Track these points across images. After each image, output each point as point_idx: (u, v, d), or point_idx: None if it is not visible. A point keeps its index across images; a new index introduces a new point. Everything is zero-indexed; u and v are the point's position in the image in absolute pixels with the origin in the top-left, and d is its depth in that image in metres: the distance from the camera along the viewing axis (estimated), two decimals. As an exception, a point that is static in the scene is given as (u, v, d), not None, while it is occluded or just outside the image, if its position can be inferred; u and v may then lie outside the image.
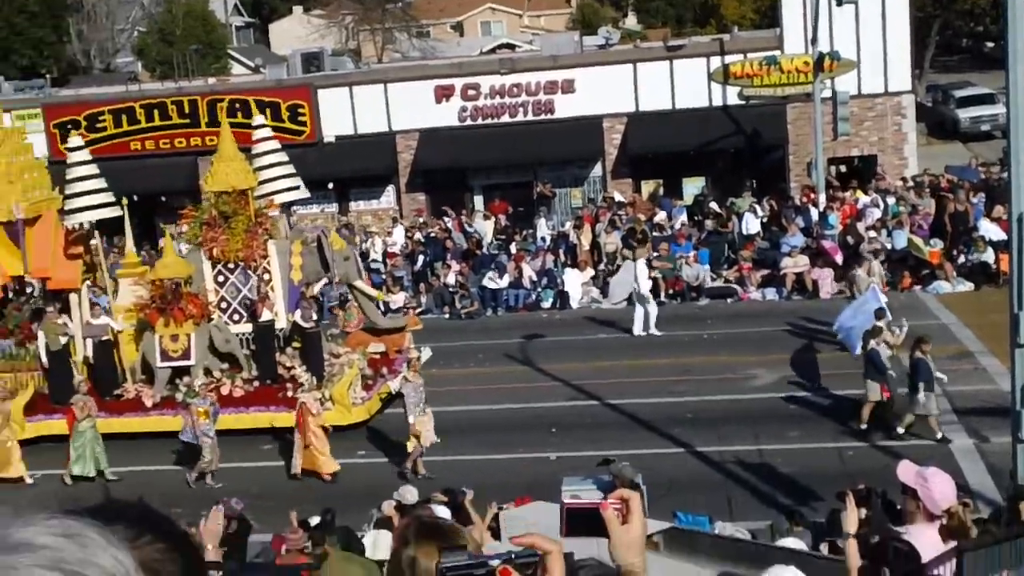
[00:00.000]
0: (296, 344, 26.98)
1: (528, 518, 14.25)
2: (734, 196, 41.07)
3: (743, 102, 43.07)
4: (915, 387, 22.77)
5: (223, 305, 27.38)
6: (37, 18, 72.54)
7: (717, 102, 43.27)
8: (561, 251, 38.90)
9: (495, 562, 2.80)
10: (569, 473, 21.13)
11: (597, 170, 44.82)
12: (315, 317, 27.22)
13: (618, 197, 42.59)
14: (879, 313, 25.36)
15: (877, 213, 37.58)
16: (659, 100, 43.33)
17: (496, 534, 16.81)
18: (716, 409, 25.50)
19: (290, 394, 25.20)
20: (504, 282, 36.68)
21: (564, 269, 37.50)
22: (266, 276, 27.25)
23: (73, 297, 27.42)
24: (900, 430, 22.94)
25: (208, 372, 26.27)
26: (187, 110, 44.78)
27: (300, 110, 44.39)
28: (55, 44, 75.23)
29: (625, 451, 22.70)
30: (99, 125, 45.23)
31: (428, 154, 43.84)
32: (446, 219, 41.81)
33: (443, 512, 18.40)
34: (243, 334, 27.16)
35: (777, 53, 42.80)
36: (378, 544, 17.87)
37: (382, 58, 77.42)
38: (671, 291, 35.83)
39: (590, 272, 37.32)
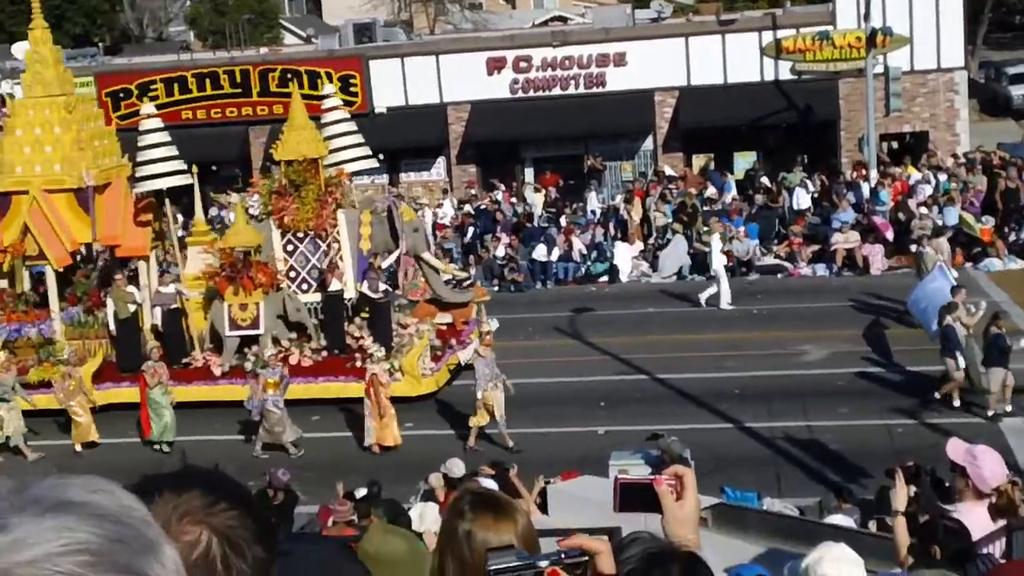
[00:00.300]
0: (364, 314, 26.88)
1: (575, 492, 14.32)
2: (785, 171, 40.87)
3: (795, 77, 42.84)
4: (991, 362, 22.63)
5: (292, 274, 27.30)
6: (91, -13, 72.87)
7: (769, 77, 43.06)
8: (611, 224, 38.86)
9: (544, 563, 2.81)
10: (617, 447, 21.23)
11: (648, 144, 44.72)
12: (383, 287, 27.08)
13: (669, 171, 42.51)
14: (955, 290, 25.11)
15: (928, 190, 37.33)
16: (711, 74, 43.15)
17: (544, 508, 16.87)
18: (765, 385, 25.46)
19: (359, 364, 25.20)
20: (554, 255, 36.68)
21: (614, 243, 37.46)
22: (335, 246, 27.18)
23: (142, 264, 27.48)
24: (990, 412, 22.70)
25: (276, 341, 26.20)
26: (239, 80, 44.95)
27: (352, 81, 44.44)
28: (108, 13, 75.56)
29: (673, 426, 22.72)
30: (151, 94, 45.28)
31: (479, 126, 43.84)
32: (496, 191, 41.83)
33: (490, 485, 18.51)
34: (311, 304, 27.06)
35: (830, 28, 42.51)
36: (424, 517, 17.96)
37: (434, 30, 77.32)
38: (721, 265, 35.72)
39: (640, 246, 37.28)
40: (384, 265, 27.16)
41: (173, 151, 27.25)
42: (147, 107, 28.02)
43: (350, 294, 26.94)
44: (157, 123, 27.46)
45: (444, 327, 28.07)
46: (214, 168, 44.92)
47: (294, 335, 26.50)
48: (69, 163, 26.50)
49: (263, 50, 53.87)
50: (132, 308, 26.53)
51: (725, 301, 31.44)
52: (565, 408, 24.81)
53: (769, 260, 35.95)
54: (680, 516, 3.14)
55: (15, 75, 47.63)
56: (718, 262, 32.46)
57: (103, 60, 52.91)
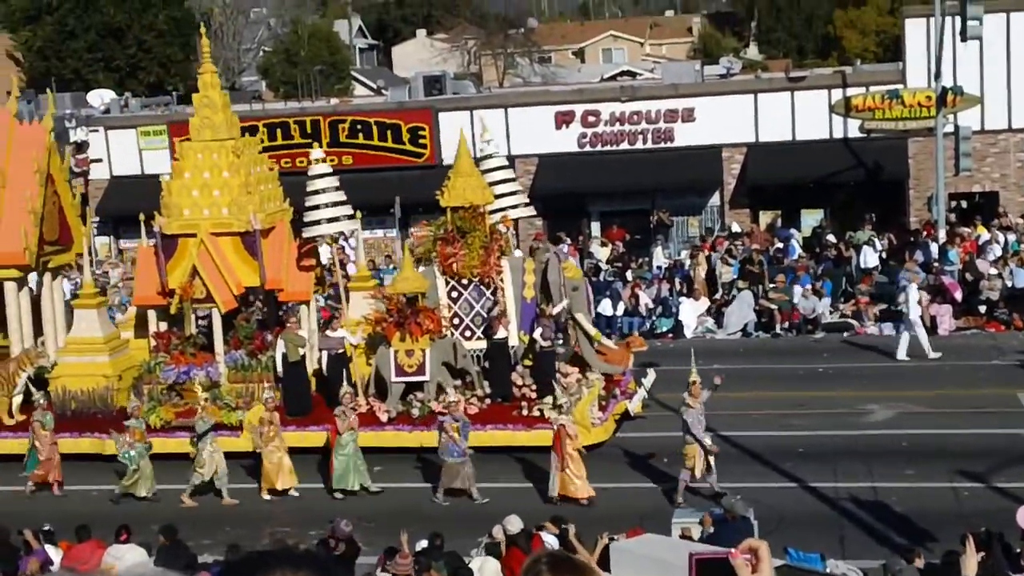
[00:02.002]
0: (527, 362, 26.81)
1: (639, 550, 14.24)
2: (853, 229, 40.68)
3: (864, 135, 42.69)
4: None
5: (456, 321, 27.23)
6: (165, 36, 73.86)
7: (838, 134, 42.95)
8: (677, 280, 38.78)
9: None
10: (680, 505, 21.15)
11: (715, 199, 44.67)
12: (553, 336, 26.83)
13: (736, 227, 42.41)
14: None
15: (998, 250, 37.03)
16: (779, 131, 43.11)
17: (605, 565, 16.76)
18: (830, 444, 25.24)
19: (524, 412, 25.09)
20: (619, 309, 36.65)
21: (679, 298, 37.39)
22: (500, 293, 27.16)
23: (304, 309, 27.61)
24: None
25: (441, 388, 26.10)
26: (309, 130, 45.34)
27: (421, 132, 44.75)
28: (182, 62, 76.48)
29: (737, 484, 22.64)
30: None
31: (547, 179, 43.96)
32: (562, 245, 41.87)
33: (552, 542, 18.48)
34: (475, 351, 26.99)
35: (900, 87, 42.38)
36: (484, 571, 17.96)
37: (503, 83, 77.86)
38: (787, 323, 35.57)
39: (705, 302, 37.17)
40: (553, 312, 26.84)
41: (341, 196, 27.25)
42: (316, 152, 28.01)
43: (513, 342, 26.86)
44: (325, 168, 27.43)
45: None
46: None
47: (459, 382, 26.33)
48: (237, 207, 26.68)
49: (334, 101, 54.39)
50: (302, 352, 26.44)
51: (903, 352, 31.11)
52: (629, 464, 24.71)
53: (836, 318, 35.74)
54: (757, 590, 3.14)
55: (91, 122, 48.42)
56: (915, 312, 32.07)
57: (176, 108, 53.57)
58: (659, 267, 40.41)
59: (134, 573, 17.66)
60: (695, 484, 22.65)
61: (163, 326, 27.33)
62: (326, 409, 25.65)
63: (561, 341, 27.33)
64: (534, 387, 26.22)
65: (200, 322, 27.54)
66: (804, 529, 20.52)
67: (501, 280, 27.22)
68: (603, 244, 42.63)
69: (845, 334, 34.95)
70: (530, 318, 26.98)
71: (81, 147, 47.06)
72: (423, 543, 18.54)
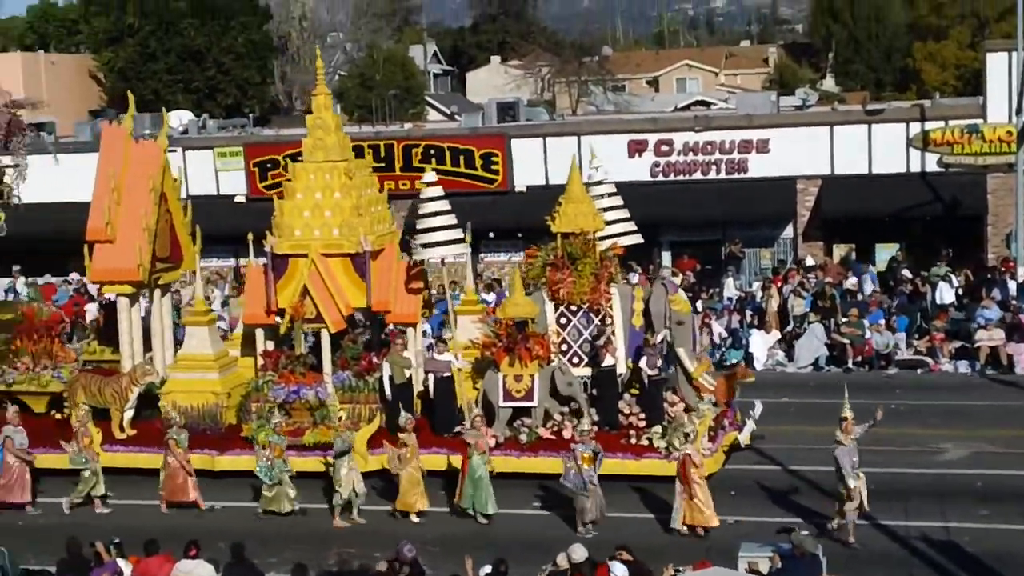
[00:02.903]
0: (634, 391, 26.66)
1: (707, 583, 14.05)
2: (928, 264, 40.26)
3: (942, 169, 42.28)
4: None
5: (563, 347, 27.09)
6: (243, 59, 74.61)
7: (915, 168, 42.58)
8: (748, 311, 38.53)
9: None
10: (747, 539, 20.90)
11: (788, 231, 44.40)
12: (659, 364, 26.46)
13: (809, 260, 42.09)
14: None
15: (1078, 289, 36.53)
16: (855, 164, 42.81)
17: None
18: (902, 482, 24.89)
19: (632, 441, 24.89)
20: (688, 340, 36.40)
21: (750, 330, 37.13)
22: (608, 320, 27.00)
23: (410, 331, 27.57)
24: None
25: (548, 415, 26.03)
26: (383, 154, 45.52)
27: (494, 158, 44.84)
28: (259, 85, 77.26)
29: (807, 519, 22.37)
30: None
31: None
32: (633, 274, 41.73)
33: (622, 572, 18.33)
34: (582, 378, 26.77)
35: (979, 121, 41.95)
36: (547, 601, 17.85)
37: (576, 110, 77.95)
38: (859, 358, 35.22)
39: (776, 334, 36.89)
40: (658, 342, 26.57)
41: (452, 219, 27.20)
42: (428, 176, 27.99)
43: (621, 369, 26.70)
44: (438, 191, 27.37)
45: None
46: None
47: (566, 409, 26.17)
48: (348, 228, 26.78)
49: (407, 125, 54.64)
50: (408, 373, 26.45)
51: None
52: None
53: (910, 355, 35.36)
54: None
55: (169, 143, 48.79)
56: None
57: (252, 131, 54.10)
58: (730, 298, 40.16)
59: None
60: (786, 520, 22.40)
61: (270, 345, 27.48)
62: (430, 432, 25.64)
63: (671, 370, 26.98)
64: (642, 416, 25.97)
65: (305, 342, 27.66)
66: (874, 567, 20.24)
67: (610, 307, 27.05)
68: (674, 274, 42.39)
69: (919, 371, 34.54)
70: (637, 346, 26.79)
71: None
72: (487, 569, 18.43)
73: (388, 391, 26.29)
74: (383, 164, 45.44)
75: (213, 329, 28.57)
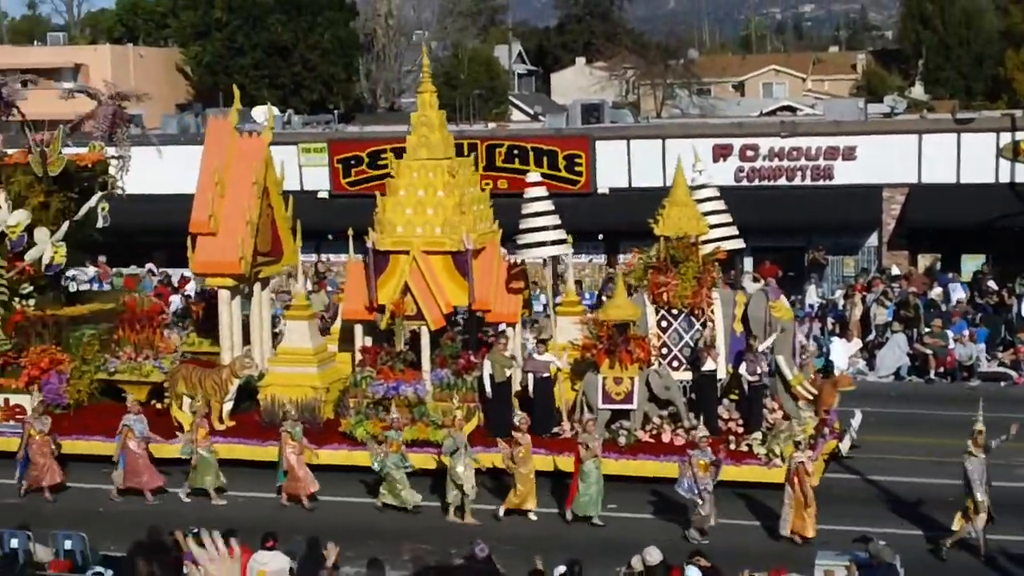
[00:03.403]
0: (733, 396, 26.43)
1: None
2: (1015, 276, 39.75)
3: (1032, 181, 41.80)
4: None
5: (664, 351, 26.77)
6: (329, 55, 75.13)
7: (1004, 179, 42.10)
8: (829, 319, 38.23)
9: None
10: (823, 547, 20.75)
11: (872, 240, 44.03)
12: (760, 371, 26.08)
13: (894, 270, 41.71)
14: None
15: None
16: (943, 173, 42.40)
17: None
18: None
19: (732, 447, 24.65)
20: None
21: (831, 338, 36.83)
22: (709, 325, 26.70)
23: (510, 331, 27.47)
24: None
25: (647, 418, 25.87)
26: (466, 153, 45.53)
27: (577, 160, 44.83)
28: (344, 82, 77.77)
29: (883, 529, 22.16)
30: (380, 162, 46.49)
31: (701, 212, 43.65)
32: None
33: (694, 573, 18.26)
34: (682, 382, 26.51)
35: (1072, 132, 41.41)
36: (621, 602, 17.82)
37: (661, 113, 77.74)
38: (941, 369, 34.86)
39: (858, 343, 36.56)
40: (761, 348, 26.16)
41: (556, 219, 27.25)
42: (532, 176, 28.09)
43: (721, 375, 26.42)
44: (542, 191, 27.44)
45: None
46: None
47: (665, 413, 26.00)
48: (450, 226, 26.87)
49: (491, 125, 54.75)
50: (508, 373, 26.34)
51: None
52: (774, 503, 24.32)
53: (993, 367, 34.94)
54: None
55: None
56: None
57: (337, 127, 54.40)
58: (811, 305, 39.87)
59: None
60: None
61: (368, 341, 27.58)
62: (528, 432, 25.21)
63: (771, 377, 26.62)
64: (741, 422, 25.76)
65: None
66: (952, 580, 20.02)
67: (712, 312, 26.78)
68: (755, 280, 42.10)
69: (1002, 383, 34.12)
70: (737, 352, 26.57)
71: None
72: (561, 569, 18.44)
73: (488, 389, 26.23)
74: (466, 163, 45.66)
75: (313, 323, 28.70)
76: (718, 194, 29.54)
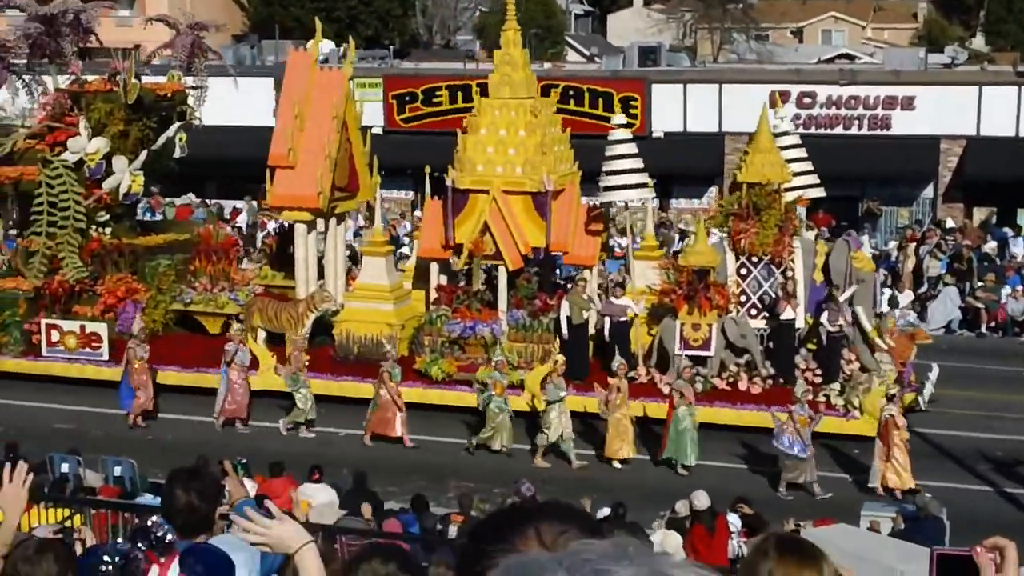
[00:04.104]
0: (811, 346, 26.29)
1: (832, 540, 13.92)
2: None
3: (1092, 136, 41.23)
4: None
5: (742, 299, 26.68)
6: (385, -9, 74.84)
7: (1065, 132, 41.53)
8: (882, 270, 37.93)
9: None
10: (871, 498, 20.73)
11: (928, 191, 43.62)
12: (840, 321, 25.83)
13: (949, 223, 41.33)
14: None
15: None
16: (1003, 126, 41.82)
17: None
18: (1031, 451, 24.46)
19: (809, 397, 24.20)
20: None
21: (883, 289, 36.56)
22: (789, 273, 26.60)
23: (586, 274, 27.45)
24: None
25: (723, 366, 25.81)
26: (520, 93, 45.41)
27: (632, 103, 44.49)
28: (400, 17, 77.44)
29: (931, 483, 22.10)
30: (435, 99, 46.36)
31: (756, 159, 43.36)
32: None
33: (736, 520, 18.30)
34: (759, 330, 26.45)
35: None
36: (665, 545, 17.83)
37: (718, 58, 77.07)
38: (993, 324, 34.58)
39: (909, 295, 36.29)
40: (842, 299, 25.96)
41: (639, 163, 27.06)
42: (617, 118, 27.94)
43: (799, 324, 26.28)
44: (626, 135, 27.29)
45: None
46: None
47: (742, 360, 25.93)
48: (531, 166, 26.77)
49: (547, 65, 54.41)
50: (585, 315, 26.29)
51: None
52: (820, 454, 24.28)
53: (1045, 323, 34.63)
54: (1001, 591, 2.99)
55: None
56: None
57: (392, 63, 54.23)
58: (865, 256, 39.59)
59: (326, 513, 18.02)
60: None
61: (443, 280, 27.58)
62: (601, 375, 25.21)
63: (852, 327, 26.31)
64: (818, 371, 25.51)
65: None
66: (998, 534, 19.89)
67: (792, 260, 26.63)
68: (808, 228, 41.83)
69: (1055, 339, 33.85)
70: (817, 301, 26.35)
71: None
72: (605, 511, 18.49)
73: (564, 331, 26.16)
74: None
75: (390, 260, 28.69)
76: (800, 141, 29.25)
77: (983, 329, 34.49)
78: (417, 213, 44.31)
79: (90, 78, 30.75)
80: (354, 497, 19.71)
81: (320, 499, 19.24)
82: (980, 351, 31.94)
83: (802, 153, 28.89)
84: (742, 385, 25.39)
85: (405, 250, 37.16)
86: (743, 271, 26.74)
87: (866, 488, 22.11)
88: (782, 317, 25.90)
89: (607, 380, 24.06)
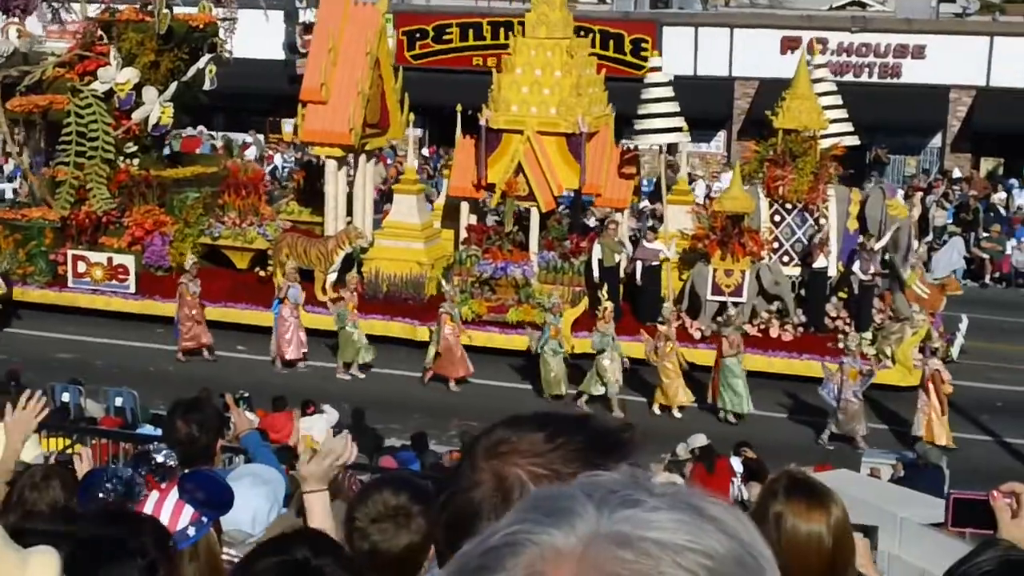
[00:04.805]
0: (842, 295, 26.19)
1: (831, 485, 13.91)
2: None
3: (1102, 88, 41.00)
4: None
5: (775, 246, 26.43)
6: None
7: (1074, 85, 41.30)
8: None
9: None
10: (872, 446, 20.79)
11: (936, 141, 43.51)
12: (873, 270, 25.60)
13: (955, 172, 41.21)
14: None
15: None
16: (1012, 77, 41.61)
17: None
18: (1035, 401, 24.50)
19: (840, 345, 24.15)
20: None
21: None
22: (822, 221, 26.43)
23: (619, 216, 27.37)
24: None
25: (755, 313, 25.62)
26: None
27: (643, 45, 44.27)
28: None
29: (893, 427, 22.20)
30: (446, 37, 46.14)
31: (765, 104, 42.94)
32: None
33: (737, 464, 18.35)
34: (792, 277, 26.27)
35: None
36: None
37: (729, 2, 76.57)
38: (997, 274, 34.56)
39: (915, 244, 36.21)
40: (876, 248, 25.76)
41: (675, 107, 26.72)
42: (655, 60, 27.76)
43: (832, 272, 26.13)
44: (662, 77, 26.99)
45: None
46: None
47: (774, 307, 25.81)
48: (566, 107, 26.50)
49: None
50: (617, 258, 26.18)
51: None
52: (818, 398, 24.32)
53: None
54: (1017, 535, 2.98)
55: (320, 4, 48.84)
56: None
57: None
58: (871, 204, 39.52)
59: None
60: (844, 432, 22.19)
61: (473, 219, 27.44)
62: (632, 318, 25.19)
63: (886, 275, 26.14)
64: (849, 320, 25.45)
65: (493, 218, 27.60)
66: (997, 484, 19.93)
67: (826, 208, 26.46)
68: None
69: (1058, 292, 33.85)
70: (850, 250, 26.23)
71: (309, 28, 47.59)
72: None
73: (596, 274, 26.01)
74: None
75: (421, 198, 28.45)
76: (835, 88, 29.04)
77: (987, 280, 34.47)
78: (424, 151, 44.26)
79: (121, 7, 30.55)
80: (353, 433, 19.74)
81: (319, 428, 19.31)
82: (984, 301, 31.91)
83: (838, 100, 28.69)
84: (773, 332, 25.29)
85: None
86: (776, 218, 26.54)
87: (914, 437, 21.81)
88: (815, 265, 25.75)
89: (655, 327, 23.88)
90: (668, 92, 26.69)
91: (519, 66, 27.07)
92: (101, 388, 21.32)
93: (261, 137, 46.60)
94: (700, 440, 18.56)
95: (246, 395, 20.29)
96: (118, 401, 20.58)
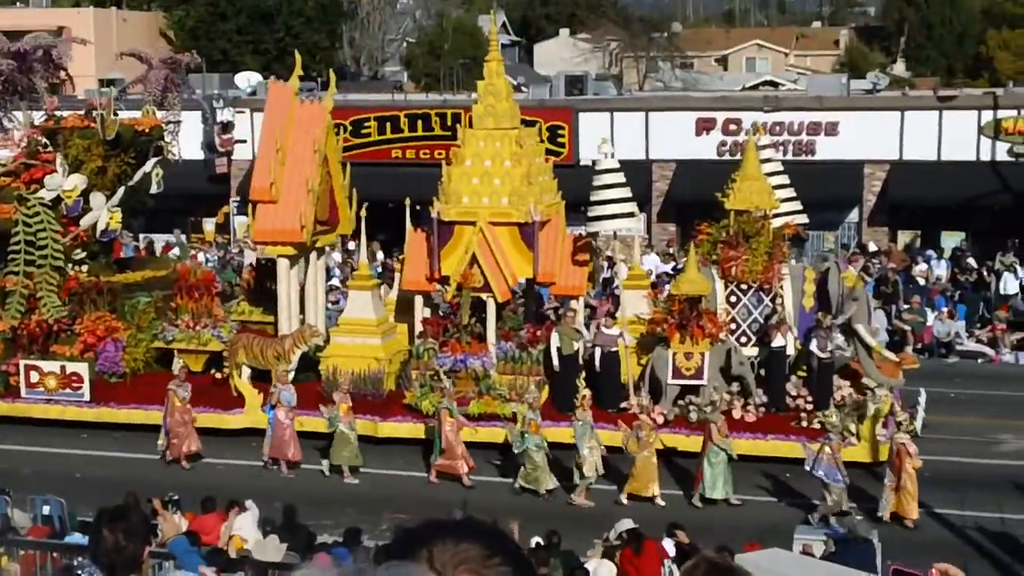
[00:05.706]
0: (801, 372, 26.26)
1: (762, 564, 14.02)
2: (994, 254, 39.83)
3: (1012, 159, 41.80)
4: None
5: (732, 326, 26.55)
6: (313, 22, 74.73)
7: (985, 157, 42.14)
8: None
9: None
10: (802, 521, 20.86)
11: (853, 215, 44.09)
12: (831, 347, 25.76)
13: (872, 246, 41.78)
14: None
15: None
16: (924, 150, 42.39)
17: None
18: (958, 471, 24.73)
19: (803, 424, 24.49)
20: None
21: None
22: (779, 301, 26.52)
23: (575, 304, 27.35)
24: None
25: (715, 394, 25.47)
26: (450, 122, 45.47)
27: (560, 131, 44.74)
28: (327, 49, 77.32)
29: (861, 504, 22.30)
30: (363, 131, 46.38)
31: (683, 185, 43.67)
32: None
33: (670, 547, 18.39)
34: (750, 358, 26.32)
35: (1053, 112, 41.44)
36: (599, 573, 17.91)
37: (644, 86, 77.61)
38: (919, 345, 34.97)
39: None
40: (837, 323, 25.87)
41: (627, 192, 26.99)
42: (605, 147, 27.91)
43: (791, 351, 26.13)
44: (613, 163, 27.19)
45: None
46: (418, 208, 45.54)
47: (735, 388, 25.83)
48: (517, 197, 26.61)
49: (475, 95, 54.47)
50: (576, 346, 26.17)
51: None
52: (751, 477, 24.42)
53: (971, 344, 35.06)
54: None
55: (237, 104, 49.05)
56: None
57: (321, 94, 54.04)
58: (792, 280, 39.90)
59: (269, 549, 17.91)
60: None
61: (427, 312, 27.40)
62: (595, 407, 24.81)
63: (847, 352, 26.35)
64: (809, 399, 25.54)
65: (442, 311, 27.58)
66: (928, 555, 20.05)
67: (781, 287, 26.64)
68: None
69: (979, 360, 34.27)
70: (807, 328, 26.32)
71: (227, 127, 47.75)
72: (538, 539, 18.52)
73: (555, 362, 26.02)
74: (449, 133, 45.45)
75: (376, 294, 28.32)
76: (782, 168, 29.39)
77: (910, 350, 34.81)
78: (351, 245, 44.22)
79: (64, 114, 30.48)
80: (286, 530, 19.61)
81: (248, 527, 19.16)
82: (907, 373, 32.20)
83: (785, 180, 29.02)
84: (736, 413, 25.30)
85: (335, 281, 37.04)
86: (732, 299, 26.73)
87: (876, 517, 21.93)
88: (774, 344, 25.88)
89: (635, 415, 23.74)
90: (620, 178, 26.93)
91: (468, 157, 27.20)
92: (28, 497, 21.01)
93: (184, 237, 46.42)
94: (627, 524, 18.63)
95: (175, 498, 20.10)
96: (45, 509, 20.26)
